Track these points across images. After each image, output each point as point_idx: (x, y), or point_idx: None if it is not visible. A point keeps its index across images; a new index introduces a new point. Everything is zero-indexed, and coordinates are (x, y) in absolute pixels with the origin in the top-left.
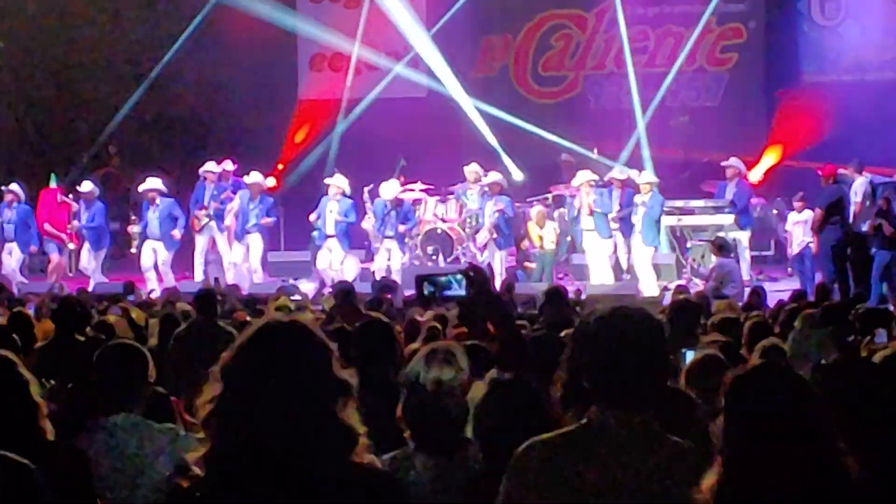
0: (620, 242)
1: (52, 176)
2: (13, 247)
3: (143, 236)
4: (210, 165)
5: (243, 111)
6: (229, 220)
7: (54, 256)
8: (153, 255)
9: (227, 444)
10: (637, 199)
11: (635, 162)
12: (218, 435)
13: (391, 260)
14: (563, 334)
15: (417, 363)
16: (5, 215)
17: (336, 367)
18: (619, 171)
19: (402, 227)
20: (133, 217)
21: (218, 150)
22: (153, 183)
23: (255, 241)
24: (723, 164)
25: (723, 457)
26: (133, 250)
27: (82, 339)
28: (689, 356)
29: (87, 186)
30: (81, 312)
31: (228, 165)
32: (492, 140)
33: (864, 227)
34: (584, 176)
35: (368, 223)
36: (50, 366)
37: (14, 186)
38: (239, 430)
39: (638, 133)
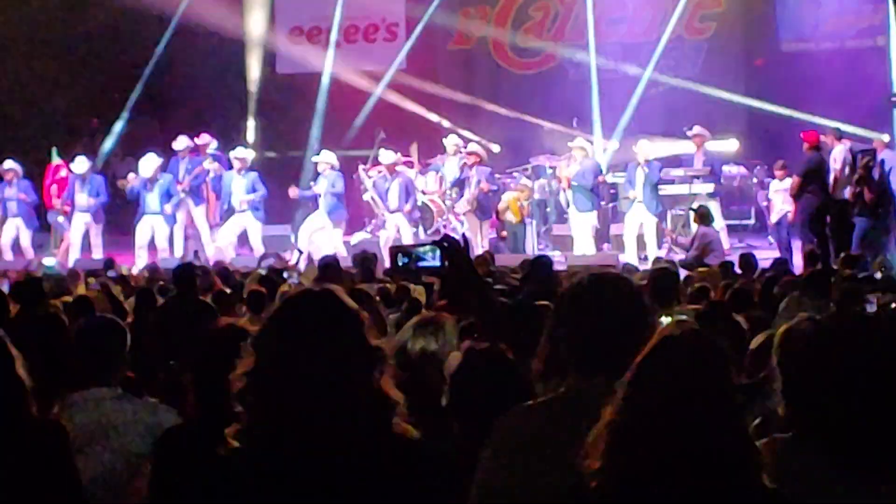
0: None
1: (54, 150)
2: (19, 223)
3: (141, 212)
4: (183, 140)
5: (220, 86)
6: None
7: (68, 234)
8: (151, 231)
9: (264, 417)
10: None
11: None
12: (253, 408)
13: (401, 234)
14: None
15: (406, 333)
16: (7, 192)
17: (370, 335)
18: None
19: (406, 207)
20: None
21: (194, 125)
22: (153, 161)
23: (250, 222)
24: (687, 132)
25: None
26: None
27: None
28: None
29: (82, 164)
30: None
31: (204, 139)
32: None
33: (846, 195)
34: (577, 143)
35: (369, 195)
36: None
37: (10, 163)
38: (274, 403)
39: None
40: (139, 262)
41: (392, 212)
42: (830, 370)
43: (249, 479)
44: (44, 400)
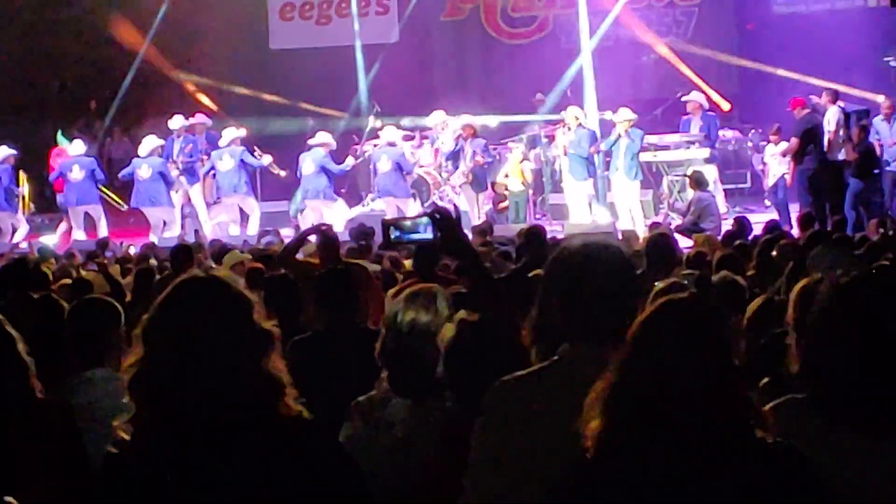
0: None
1: (60, 133)
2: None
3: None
4: (178, 119)
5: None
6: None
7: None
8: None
9: (153, 406)
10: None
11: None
12: (143, 397)
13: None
14: (535, 273)
15: (397, 305)
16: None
17: (257, 319)
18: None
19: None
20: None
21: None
22: (152, 142)
23: (249, 205)
24: (683, 98)
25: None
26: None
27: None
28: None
29: (79, 147)
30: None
31: (199, 118)
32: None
33: (840, 156)
34: (571, 112)
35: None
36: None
37: (4, 149)
38: (163, 390)
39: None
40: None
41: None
42: (851, 326)
43: (135, 472)
44: (44, 382)
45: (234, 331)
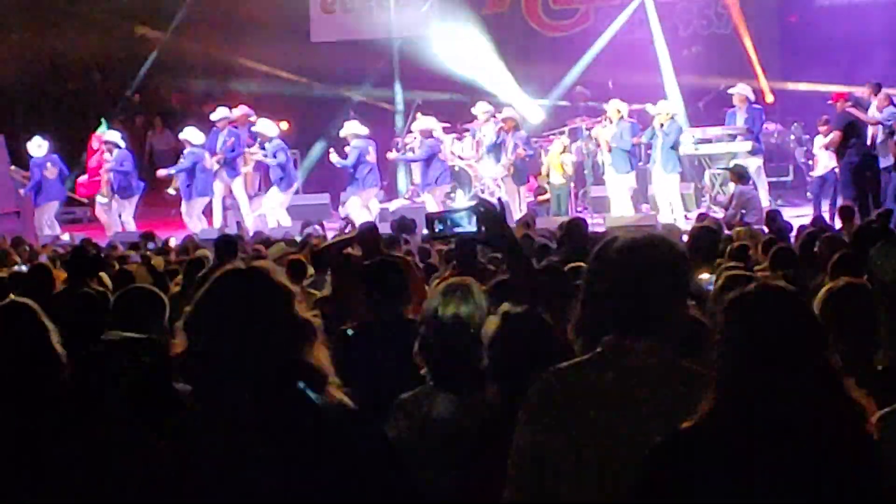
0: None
1: (103, 121)
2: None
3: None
4: (221, 112)
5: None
6: (246, 168)
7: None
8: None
9: (197, 397)
10: (654, 129)
11: (653, 92)
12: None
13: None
14: (576, 265)
15: (435, 299)
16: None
17: (298, 310)
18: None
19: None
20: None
21: (234, 98)
22: (190, 133)
23: (272, 189)
24: (729, 90)
25: (716, 381)
26: (171, 191)
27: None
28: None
29: (112, 136)
30: (95, 259)
31: (241, 111)
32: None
33: (884, 162)
34: (613, 105)
35: (393, 154)
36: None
37: (39, 139)
38: (207, 381)
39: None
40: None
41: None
42: None
43: (185, 462)
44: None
45: (274, 321)
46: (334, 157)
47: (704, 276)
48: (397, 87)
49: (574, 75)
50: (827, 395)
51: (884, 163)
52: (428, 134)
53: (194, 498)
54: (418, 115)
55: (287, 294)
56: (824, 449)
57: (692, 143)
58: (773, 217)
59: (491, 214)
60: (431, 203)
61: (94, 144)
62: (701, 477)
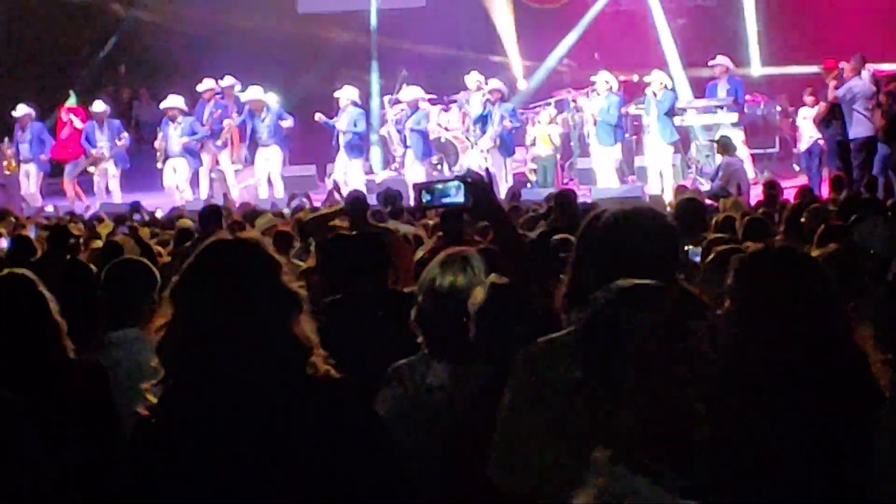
0: None
1: (72, 93)
2: (30, 168)
3: (165, 154)
4: (207, 83)
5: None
6: (224, 137)
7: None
8: (174, 173)
9: (181, 368)
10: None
11: (641, 63)
12: (171, 359)
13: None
14: (564, 236)
15: (433, 269)
16: (23, 137)
17: (285, 281)
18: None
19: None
20: (160, 132)
21: (221, 69)
22: (174, 101)
23: (273, 154)
24: (710, 63)
25: (727, 340)
26: (159, 165)
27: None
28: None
29: (99, 106)
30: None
31: (228, 81)
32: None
33: (864, 132)
34: (603, 76)
35: (385, 130)
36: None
37: (23, 107)
38: (190, 352)
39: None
40: (175, 200)
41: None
42: None
43: (165, 436)
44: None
45: (261, 292)
46: (320, 117)
47: (690, 247)
48: (374, 65)
49: (564, 47)
50: (837, 346)
51: (853, 134)
52: (415, 105)
53: (182, 469)
54: (404, 85)
55: (274, 265)
56: (834, 396)
57: (694, 114)
58: (773, 185)
59: (480, 185)
60: (419, 174)
61: (64, 116)
62: None
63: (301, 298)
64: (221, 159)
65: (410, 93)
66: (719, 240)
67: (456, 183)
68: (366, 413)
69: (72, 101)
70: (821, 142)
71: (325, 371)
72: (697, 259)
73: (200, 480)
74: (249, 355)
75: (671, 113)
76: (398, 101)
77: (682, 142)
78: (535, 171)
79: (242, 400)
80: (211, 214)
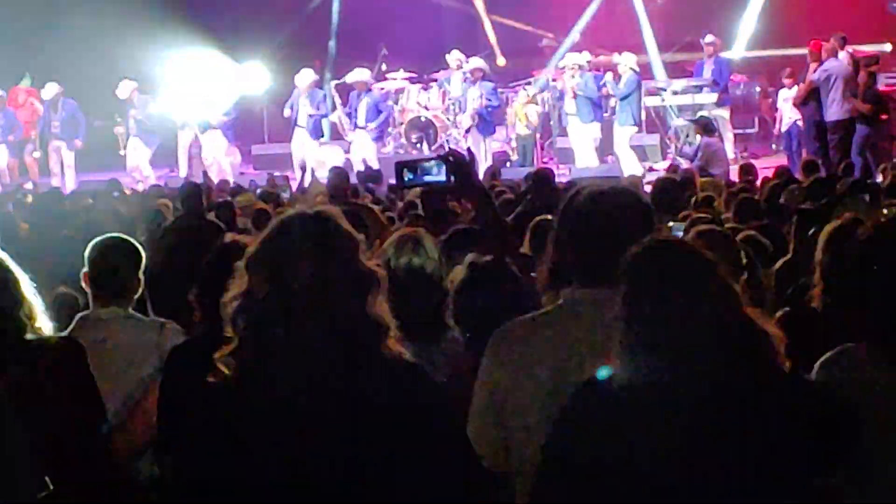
0: None
1: (27, 75)
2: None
3: (127, 135)
4: None
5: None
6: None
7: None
8: (135, 152)
9: (255, 340)
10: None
11: (621, 43)
12: (245, 331)
13: (365, 150)
14: (541, 217)
15: (387, 252)
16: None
17: (363, 259)
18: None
19: (370, 125)
20: (119, 119)
21: None
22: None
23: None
24: (701, 41)
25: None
26: (122, 152)
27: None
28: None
29: (52, 89)
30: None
31: None
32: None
33: (837, 115)
34: (571, 58)
35: (336, 116)
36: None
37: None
38: (265, 325)
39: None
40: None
41: (356, 128)
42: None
43: (238, 406)
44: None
45: (342, 269)
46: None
47: (672, 223)
48: (332, 44)
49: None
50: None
51: (828, 116)
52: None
53: (251, 442)
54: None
55: (354, 241)
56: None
57: (671, 93)
58: (748, 169)
59: (461, 164)
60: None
61: (20, 98)
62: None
63: (378, 277)
64: (200, 137)
65: (358, 74)
66: (701, 219)
67: (438, 162)
68: (438, 397)
69: (27, 82)
70: (800, 123)
71: (400, 353)
72: (680, 234)
73: (270, 455)
74: (328, 331)
75: (630, 97)
76: (384, 78)
77: (661, 122)
78: (515, 149)
79: (319, 376)
80: (191, 192)
